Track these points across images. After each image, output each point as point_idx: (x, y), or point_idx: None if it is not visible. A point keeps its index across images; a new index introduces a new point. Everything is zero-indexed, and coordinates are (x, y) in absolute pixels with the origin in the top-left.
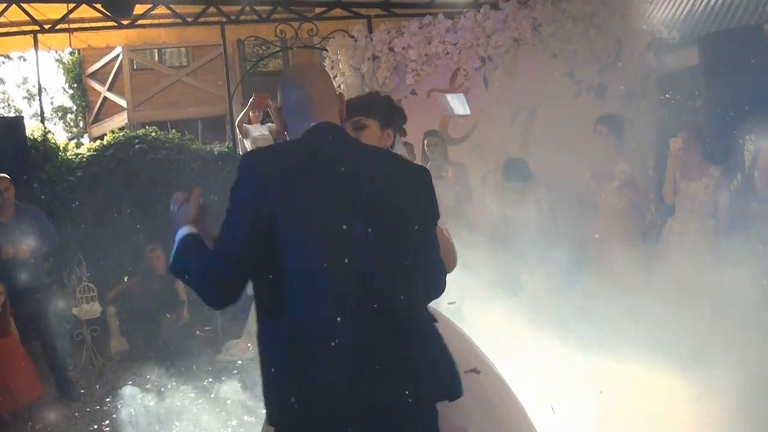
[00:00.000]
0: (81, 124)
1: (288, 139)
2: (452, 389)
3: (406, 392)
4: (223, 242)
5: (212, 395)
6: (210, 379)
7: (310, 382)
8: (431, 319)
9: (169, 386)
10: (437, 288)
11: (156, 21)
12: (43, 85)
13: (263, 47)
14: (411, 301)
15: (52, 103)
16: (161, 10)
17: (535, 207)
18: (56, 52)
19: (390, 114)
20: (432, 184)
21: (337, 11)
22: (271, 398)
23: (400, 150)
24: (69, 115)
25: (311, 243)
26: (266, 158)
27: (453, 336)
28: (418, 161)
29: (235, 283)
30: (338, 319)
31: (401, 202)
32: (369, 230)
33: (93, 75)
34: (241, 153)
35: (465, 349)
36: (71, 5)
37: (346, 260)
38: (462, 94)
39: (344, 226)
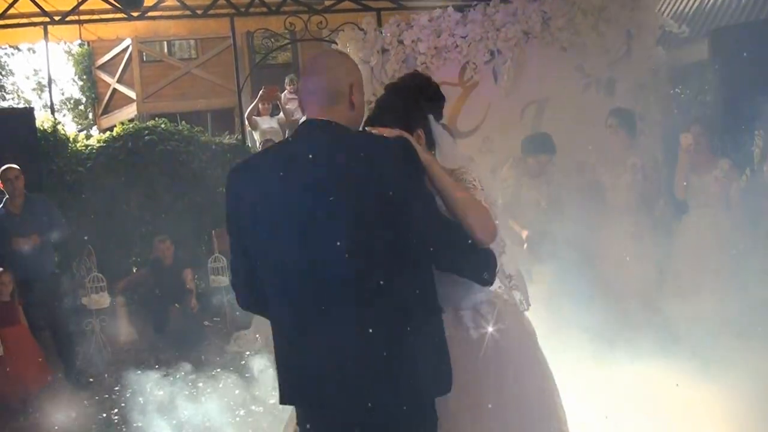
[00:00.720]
0: (90, 115)
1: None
2: (437, 386)
3: (381, 380)
4: (231, 251)
5: (220, 385)
6: (218, 369)
7: (293, 369)
8: (426, 306)
9: (178, 376)
10: (459, 263)
11: (166, 13)
12: (52, 77)
13: (272, 40)
14: (388, 293)
15: (62, 95)
16: (171, 2)
17: (551, 189)
18: (66, 43)
19: (404, 114)
20: (400, 154)
21: (347, 4)
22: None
23: (446, 139)
24: (79, 107)
25: (275, 254)
26: (240, 176)
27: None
28: None
29: (245, 287)
30: (305, 317)
31: (362, 191)
32: (329, 233)
33: (102, 67)
34: (250, 145)
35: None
36: None
37: (307, 265)
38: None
39: (304, 233)
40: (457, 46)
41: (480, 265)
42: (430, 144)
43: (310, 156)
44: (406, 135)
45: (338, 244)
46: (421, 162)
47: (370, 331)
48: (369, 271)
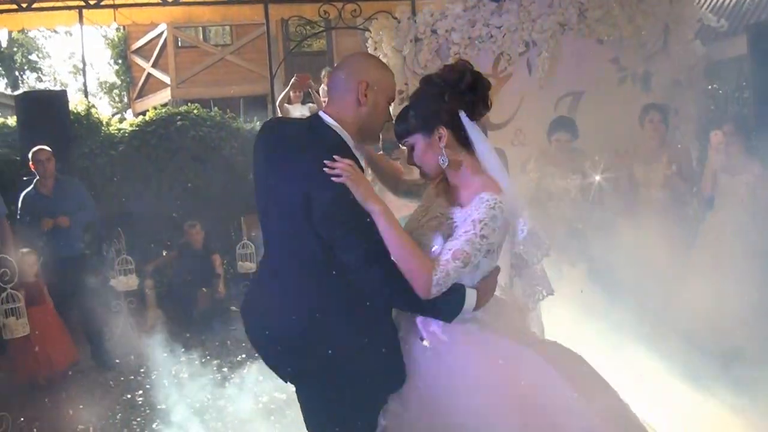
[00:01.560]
0: (125, 99)
1: None
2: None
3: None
4: None
5: (245, 371)
6: (243, 355)
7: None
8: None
9: (203, 360)
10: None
11: None
12: (89, 60)
13: (307, 27)
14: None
15: (98, 78)
16: None
17: (582, 180)
18: (102, 27)
19: (425, 117)
20: (328, 201)
21: None
22: None
23: (478, 137)
24: (114, 91)
25: (258, 203)
26: (264, 132)
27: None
28: None
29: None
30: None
31: (294, 192)
32: (274, 206)
33: (138, 51)
34: None
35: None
36: None
37: (268, 231)
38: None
39: (264, 200)
40: (491, 36)
41: (433, 310)
42: (462, 143)
43: (286, 141)
44: (351, 179)
45: (282, 218)
46: (364, 209)
47: (295, 298)
48: (303, 252)
